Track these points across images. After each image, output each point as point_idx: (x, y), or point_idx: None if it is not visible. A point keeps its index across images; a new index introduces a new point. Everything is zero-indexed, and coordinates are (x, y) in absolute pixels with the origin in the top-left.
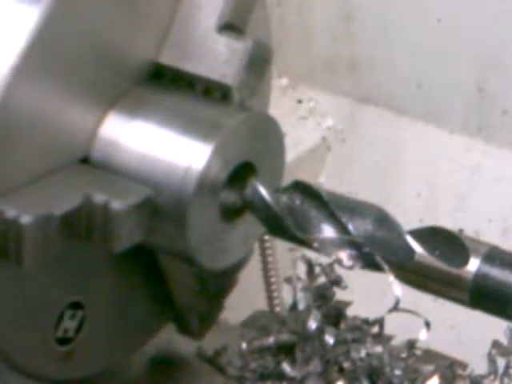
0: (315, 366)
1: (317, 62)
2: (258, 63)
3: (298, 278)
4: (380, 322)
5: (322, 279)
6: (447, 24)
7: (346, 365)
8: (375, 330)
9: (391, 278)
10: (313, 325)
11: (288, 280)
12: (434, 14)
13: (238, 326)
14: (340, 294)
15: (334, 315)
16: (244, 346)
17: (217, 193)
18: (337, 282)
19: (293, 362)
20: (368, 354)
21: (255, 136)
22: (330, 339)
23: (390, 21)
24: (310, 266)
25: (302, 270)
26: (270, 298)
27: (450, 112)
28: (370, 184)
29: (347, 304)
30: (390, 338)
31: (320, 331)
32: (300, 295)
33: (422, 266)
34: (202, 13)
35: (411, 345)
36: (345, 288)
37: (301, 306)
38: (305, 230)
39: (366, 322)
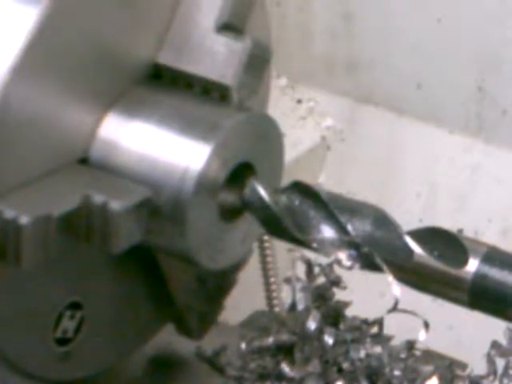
0: (314, 366)
1: (316, 62)
2: (257, 63)
3: (298, 279)
4: (379, 322)
5: (321, 279)
6: (447, 24)
7: (346, 365)
8: (374, 330)
9: (390, 278)
10: (312, 325)
11: (287, 280)
12: (434, 14)
13: (238, 326)
14: (339, 295)
15: (334, 315)
16: (243, 346)
17: (216, 193)
18: (336, 282)
19: (292, 363)
20: (367, 355)
21: (254, 136)
22: (329, 339)
23: (390, 21)
24: (310, 266)
25: (301, 270)
26: (270, 298)
27: (449, 112)
28: (370, 184)
29: (346, 304)
30: (389, 339)
31: (319, 331)
32: (299, 295)
33: (421, 266)
34: (201, 13)
35: (410, 345)
36: (344, 288)
37: (300, 307)
38: (304, 230)
39: (366, 322)
